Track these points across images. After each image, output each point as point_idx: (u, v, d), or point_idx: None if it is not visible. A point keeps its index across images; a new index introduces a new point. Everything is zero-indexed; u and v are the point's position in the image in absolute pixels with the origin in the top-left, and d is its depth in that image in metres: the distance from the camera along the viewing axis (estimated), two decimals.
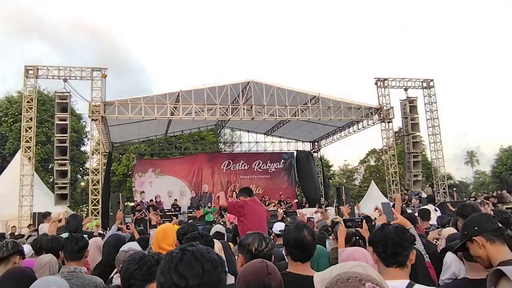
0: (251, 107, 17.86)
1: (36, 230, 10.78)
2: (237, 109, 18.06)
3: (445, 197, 20.36)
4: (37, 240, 4.92)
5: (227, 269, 1.50)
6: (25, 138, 16.33)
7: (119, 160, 35.07)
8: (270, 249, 2.67)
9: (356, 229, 4.22)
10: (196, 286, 1.28)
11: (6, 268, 3.30)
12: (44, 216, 10.65)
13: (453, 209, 10.32)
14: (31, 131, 16.34)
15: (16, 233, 11.95)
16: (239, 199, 6.10)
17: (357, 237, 4.08)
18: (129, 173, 31.57)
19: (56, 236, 4.70)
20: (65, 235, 5.64)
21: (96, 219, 15.94)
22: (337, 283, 1.29)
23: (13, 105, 32.43)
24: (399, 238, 2.30)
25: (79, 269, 3.09)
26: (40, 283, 2.36)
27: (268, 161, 25.53)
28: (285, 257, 2.98)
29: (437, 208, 11.90)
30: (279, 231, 5.79)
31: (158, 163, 25.12)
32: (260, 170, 25.23)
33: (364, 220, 4.16)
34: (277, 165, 25.67)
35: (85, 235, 4.12)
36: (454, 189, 32.40)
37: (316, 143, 27.00)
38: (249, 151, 26.98)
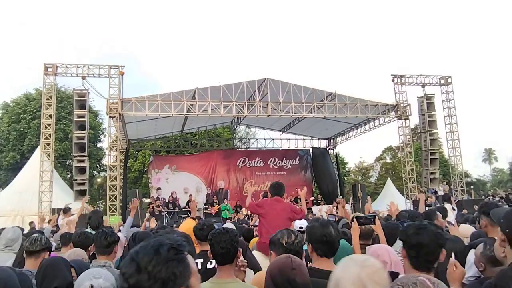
0: (267, 104, 17.83)
1: (57, 225, 10.91)
2: (253, 106, 18.05)
3: (463, 195, 20.13)
4: (66, 233, 5.12)
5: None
6: (45, 135, 16.52)
7: (135, 156, 35.38)
8: (300, 241, 2.71)
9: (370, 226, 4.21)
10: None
11: (37, 262, 3.41)
12: (64, 212, 10.75)
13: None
14: (51, 128, 16.52)
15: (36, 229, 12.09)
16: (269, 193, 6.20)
17: (377, 233, 4.08)
18: (145, 169, 31.81)
19: (85, 231, 4.83)
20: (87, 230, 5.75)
21: (113, 214, 16.12)
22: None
23: (31, 102, 32.90)
24: (434, 245, 2.31)
25: (109, 264, 3.17)
26: (88, 274, 2.43)
27: (284, 158, 25.51)
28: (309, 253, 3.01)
29: (454, 207, 11.81)
30: (299, 228, 5.82)
31: (174, 159, 25.33)
32: (276, 167, 25.21)
33: (376, 216, 4.16)
34: (292, 162, 25.64)
35: None
36: (472, 187, 32.04)
37: (332, 140, 26.88)
38: (264, 148, 27.04)
